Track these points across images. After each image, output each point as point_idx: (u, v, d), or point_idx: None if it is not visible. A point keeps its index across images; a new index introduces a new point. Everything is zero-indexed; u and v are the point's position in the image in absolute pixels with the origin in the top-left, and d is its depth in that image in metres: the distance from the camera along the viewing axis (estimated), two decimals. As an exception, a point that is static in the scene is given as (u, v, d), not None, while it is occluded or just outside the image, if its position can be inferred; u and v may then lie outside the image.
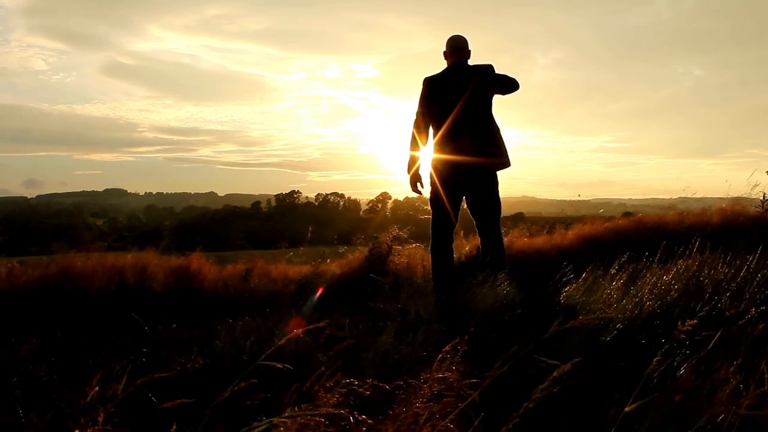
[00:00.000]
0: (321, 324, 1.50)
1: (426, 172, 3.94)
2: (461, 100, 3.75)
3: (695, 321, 1.46)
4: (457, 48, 3.89)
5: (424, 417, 1.22)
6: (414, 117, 3.92)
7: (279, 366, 1.31)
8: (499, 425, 1.15)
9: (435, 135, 3.86)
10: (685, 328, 1.45)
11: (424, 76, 3.91)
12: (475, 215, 3.93)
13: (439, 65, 3.98)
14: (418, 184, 3.93)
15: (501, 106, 3.90)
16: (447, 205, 3.85)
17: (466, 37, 3.95)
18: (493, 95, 3.85)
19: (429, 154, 3.91)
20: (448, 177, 3.81)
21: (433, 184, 3.89)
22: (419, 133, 3.89)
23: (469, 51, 3.92)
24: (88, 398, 1.23)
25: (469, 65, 3.89)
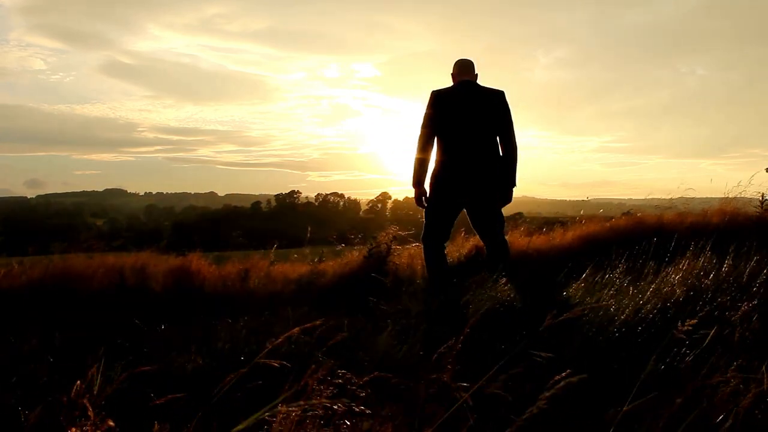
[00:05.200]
0: (317, 322, 1.49)
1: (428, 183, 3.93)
2: (468, 115, 3.74)
3: (695, 320, 1.46)
4: (465, 69, 3.90)
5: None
6: (420, 130, 3.88)
7: (275, 364, 1.30)
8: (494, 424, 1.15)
9: (439, 148, 3.84)
10: (684, 328, 1.45)
11: (432, 90, 3.89)
12: (476, 227, 3.92)
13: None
14: (423, 198, 3.92)
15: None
16: (443, 217, 3.84)
17: (473, 61, 3.96)
18: (495, 126, 3.81)
19: (432, 166, 3.89)
20: (448, 190, 3.79)
21: (432, 193, 3.87)
22: (424, 148, 3.85)
23: (476, 74, 3.92)
24: (72, 393, 1.23)
25: (480, 86, 3.88)
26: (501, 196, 3.83)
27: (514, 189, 3.89)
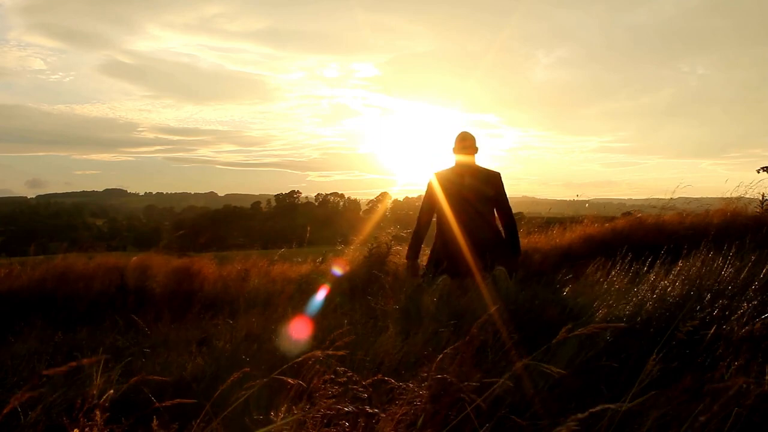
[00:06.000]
0: (333, 338, 1.49)
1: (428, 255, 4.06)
2: (465, 197, 3.87)
3: (696, 322, 1.46)
4: (465, 144, 3.98)
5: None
6: (419, 213, 4.06)
7: (291, 381, 1.30)
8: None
9: (438, 226, 3.97)
10: (686, 329, 1.44)
11: (433, 172, 4.03)
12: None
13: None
14: (416, 271, 4.03)
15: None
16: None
17: (474, 135, 4.03)
18: (492, 205, 3.94)
19: (432, 245, 4.02)
20: (445, 267, 3.85)
21: (429, 268, 3.93)
22: (421, 224, 4.03)
23: (477, 148, 4.00)
24: (91, 398, 1.23)
25: (478, 167, 3.99)
26: (508, 268, 3.88)
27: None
